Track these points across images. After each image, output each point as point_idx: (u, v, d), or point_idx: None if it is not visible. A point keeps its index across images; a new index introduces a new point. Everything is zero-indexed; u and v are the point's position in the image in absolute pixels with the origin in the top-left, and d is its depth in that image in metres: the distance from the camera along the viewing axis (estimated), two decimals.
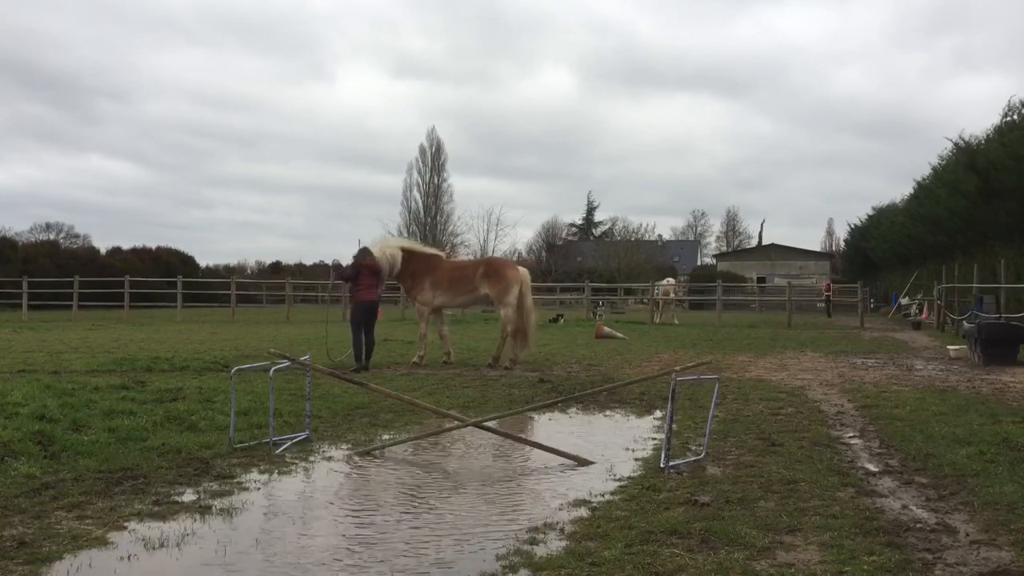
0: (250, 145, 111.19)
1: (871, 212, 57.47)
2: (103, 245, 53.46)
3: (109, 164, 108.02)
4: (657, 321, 30.01)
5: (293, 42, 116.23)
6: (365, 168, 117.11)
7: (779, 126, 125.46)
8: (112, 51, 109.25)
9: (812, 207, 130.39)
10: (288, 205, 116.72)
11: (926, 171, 37.33)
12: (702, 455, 6.53)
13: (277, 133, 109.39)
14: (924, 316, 29.80)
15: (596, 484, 5.81)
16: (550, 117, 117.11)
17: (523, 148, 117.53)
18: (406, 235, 70.33)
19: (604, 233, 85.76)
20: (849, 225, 66.94)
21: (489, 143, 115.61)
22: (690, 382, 7.65)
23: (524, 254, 75.36)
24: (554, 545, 4.43)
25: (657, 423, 8.29)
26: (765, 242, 79.72)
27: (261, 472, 6.18)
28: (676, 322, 30.30)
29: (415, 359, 13.90)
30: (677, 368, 6.97)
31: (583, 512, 5.09)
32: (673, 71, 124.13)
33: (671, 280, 35.72)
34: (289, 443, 7.04)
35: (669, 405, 6.30)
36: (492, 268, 14.18)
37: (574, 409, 9.43)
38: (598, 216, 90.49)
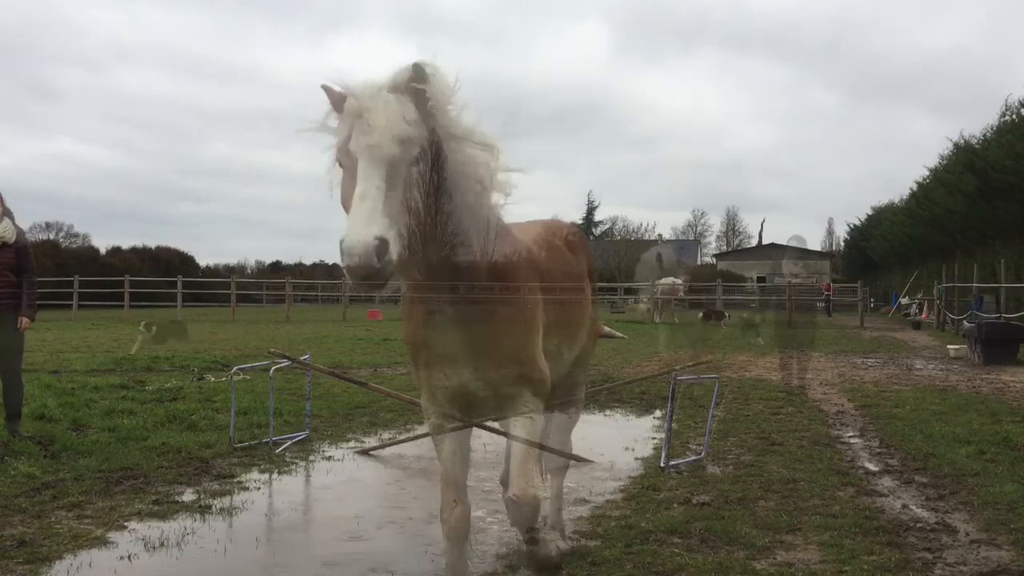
0: (238, 125, 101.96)
1: (870, 212, 57.56)
2: (101, 244, 53.00)
3: (80, 150, 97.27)
4: (657, 320, 29.99)
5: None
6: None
7: (842, 97, 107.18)
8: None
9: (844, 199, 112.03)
10: (282, 198, 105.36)
11: (924, 172, 37.34)
12: (702, 455, 6.53)
13: (265, 110, 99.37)
14: (924, 316, 29.78)
15: (596, 484, 5.80)
16: (573, 89, 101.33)
17: (537, 128, 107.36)
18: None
19: (604, 233, 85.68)
20: (848, 225, 66.97)
21: (499, 118, 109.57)
22: (690, 382, 7.64)
23: None
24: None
25: (657, 423, 8.29)
26: (765, 241, 79.71)
27: (261, 472, 6.18)
28: (676, 321, 30.28)
29: None
30: (677, 368, 6.97)
31: (583, 512, 5.09)
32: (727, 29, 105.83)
33: (675, 280, 35.50)
34: (289, 443, 7.04)
35: (669, 404, 6.30)
36: None
37: (574, 409, 9.40)
38: (598, 216, 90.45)
